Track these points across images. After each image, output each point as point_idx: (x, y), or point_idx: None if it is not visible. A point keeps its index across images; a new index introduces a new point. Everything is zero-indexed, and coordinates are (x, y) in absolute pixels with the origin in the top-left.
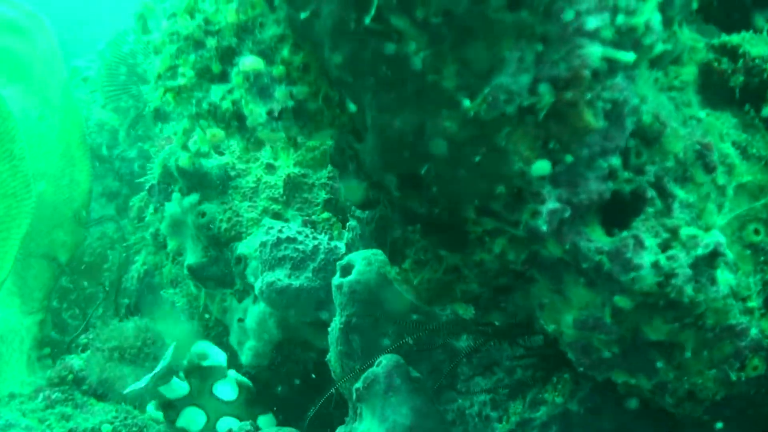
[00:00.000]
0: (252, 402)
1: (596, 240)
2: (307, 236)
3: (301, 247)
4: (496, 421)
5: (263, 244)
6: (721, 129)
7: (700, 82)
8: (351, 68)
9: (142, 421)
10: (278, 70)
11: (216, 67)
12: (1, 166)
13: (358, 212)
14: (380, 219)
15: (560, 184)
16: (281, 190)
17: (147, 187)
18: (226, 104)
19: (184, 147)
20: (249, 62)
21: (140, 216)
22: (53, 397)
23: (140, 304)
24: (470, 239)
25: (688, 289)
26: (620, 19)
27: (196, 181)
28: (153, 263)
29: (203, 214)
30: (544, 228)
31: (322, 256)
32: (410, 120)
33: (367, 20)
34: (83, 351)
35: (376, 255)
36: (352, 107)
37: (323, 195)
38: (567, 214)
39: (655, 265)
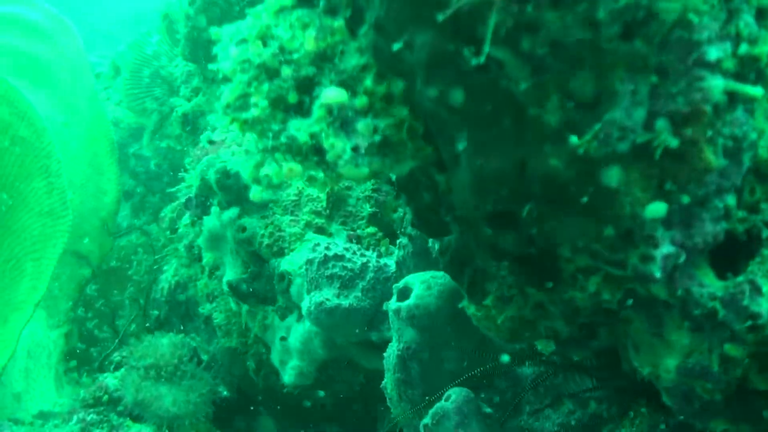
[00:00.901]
0: None
1: (709, 285)
2: (354, 253)
3: (349, 265)
4: None
5: (310, 262)
6: None
7: None
8: (446, 102)
9: None
10: (361, 101)
11: (292, 98)
12: (37, 182)
13: (409, 229)
14: (457, 251)
15: (673, 225)
16: (324, 203)
17: (184, 200)
18: (303, 137)
19: (255, 180)
20: (332, 94)
21: (172, 227)
22: (88, 419)
23: (171, 317)
24: (563, 277)
25: None
26: (743, 48)
27: (236, 194)
28: (187, 276)
29: (244, 229)
30: (658, 274)
31: (371, 274)
32: (510, 157)
33: (482, 59)
34: (116, 369)
35: (436, 278)
36: (443, 145)
37: (368, 208)
38: (681, 259)
39: None
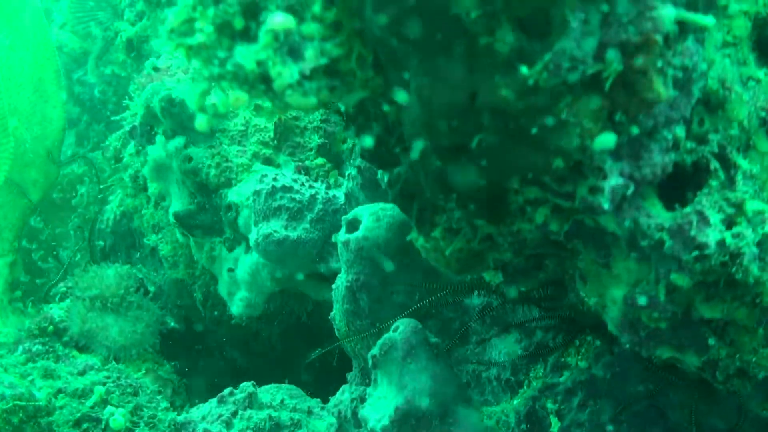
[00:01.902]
0: None
1: (656, 215)
2: (302, 185)
3: (297, 196)
4: (516, 385)
5: (257, 193)
6: None
7: (754, 38)
8: (396, 30)
9: (136, 381)
10: (309, 27)
11: (238, 23)
12: None
13: (358, 161)
14: (406, 183)
15: (622, 156)
16: (272, 134)
17: (128, 128)
18: (250, 65)
19: (201, 109)
20: (279, 20)
21: (117, 156)
22: (34, 349)
23: (117, 247)
24: (511, 209)
25: (754, 269)
26: None
27: (181, 123)
28: (132, 206)
29: (190, 159)
30: (606, 206)
31: (319, 206)
32: (461, 87)
33: None
34: (62, 300)
35: (385, 210)
36: (392, 73)
37: (316, 139)
38: (630, 191)
39: (721, 243)
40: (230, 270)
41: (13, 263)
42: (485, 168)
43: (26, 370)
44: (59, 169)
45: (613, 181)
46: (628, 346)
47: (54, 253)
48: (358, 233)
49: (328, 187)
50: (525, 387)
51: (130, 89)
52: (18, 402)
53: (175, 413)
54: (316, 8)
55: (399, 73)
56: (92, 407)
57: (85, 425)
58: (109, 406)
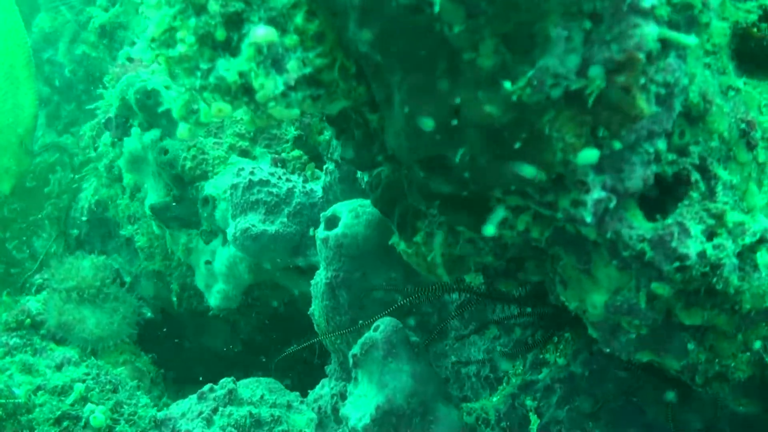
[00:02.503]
0: None
1: (638, 227)
2: (279, 178)
3: (274, 190)
4: (495, 381)
5: (234, 187)
6: (759, 100)
7: (733, 46)
8: (381, 46)
9: (116, 378)
10: (291, 39)
11: (220, 34)
12: None
13: (336, 155)
14: (388, 187)
15: (604, 170)
16: (248, 126)
17: (103, 119)
18: (232, 76)
19: (184, 118)
20: (262, 33)
21: (92, 146)
22: (11, 343)
23: (91, 236)
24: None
25: (734, 279)
26: None
27: (157, 115)
28: (107, 195)
29: (166, 152)
30: (589, 219)
31: (297, 199)
32: (444, 103)
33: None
34: (38, 291)
35: (364, 207)
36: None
37: (293, 131)
38: (612, 204)
39: (702, 255)
40: (207, 262)
41: None
42: (468, 179)
43: (4, 364)
44: (32, 157)
45: (596, 194)
46: (608, 350)
47: (28, 242)
48: (337, 230)
49: (306, 181)
50: (504, 384)
51: (105, 79)
52: None
53: (155, 409)
54: (299, 20)
55: (383, 86)
56: (72, 405)
57: (65, 423)
58: (89, 404)
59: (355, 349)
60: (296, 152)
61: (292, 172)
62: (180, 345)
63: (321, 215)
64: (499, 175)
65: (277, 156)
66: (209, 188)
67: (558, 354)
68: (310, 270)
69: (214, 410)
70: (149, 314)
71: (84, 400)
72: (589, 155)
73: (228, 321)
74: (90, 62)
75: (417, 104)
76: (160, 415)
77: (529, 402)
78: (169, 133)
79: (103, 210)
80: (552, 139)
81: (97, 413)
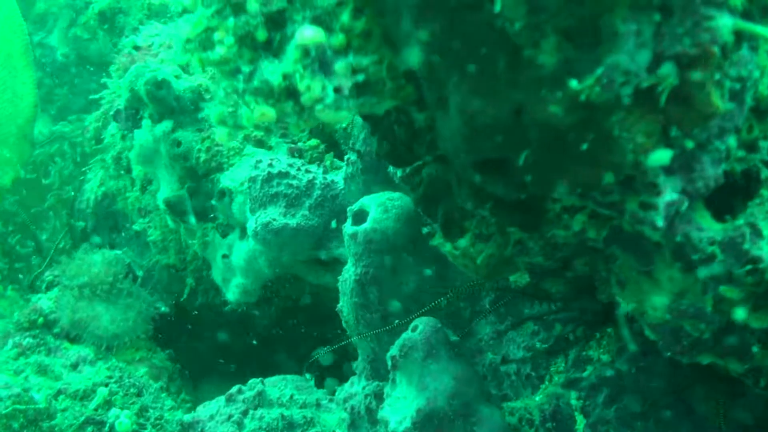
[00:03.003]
0: None
1: (707, 228)
2: (299, 169)
3: (294, 182)
4: (537, 379)
5: (253, 180)
6: None
7: None
8: (439, 45)
9: (139, 380)
10: (338, 38)
11: (261, 35)
12: None
13: (358, 145)
14: (431, 186)
15: (675, 170)
16: (293, 129)
17: (111, 111)
18: (276, 79)
19: (223, 122)
20: (310, 34)
21: (97, 137)
22: (25, 343)
23: (99, 228)
24: (548, 217)
25: None
26: None
27: (168, 106)
28: (115, 188)
29: (179, 144)
30: (660, 223)
31: (318, 191)
32: (505, 103)
33: None
34: (48, 289)
35: (393, 200)
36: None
37: None
38: (684, 206)
39: None
40: (224, 256)
41: None
42: (529, 183)
43: (19, 366)
44: (33, 147)
45: (668, 197)
46: (669, 354)
47: (31, 236)
48: (366, 225)
49: (326, 171)
50: (546, 382)
51: (110, 69)
52: (18, 406)
53: (181, 411)
54: (345, 18)
55: (436, 86)
56: (95, 409)
57: (89, 429)
58: (113, 409)
59: (394, 351)
60: (313, 141)
61: (310, 162)
62: (195, 339)
63: (348, 209)
64: (564, 177)
65: (293, 146)
66: (225, 180)
67: (601, 350)
68: (332, 263)
69: (244, 413)
70: (163, 308)
71: (108, 404)
72: (661, 156)
73: (245, 314)
74: (81, 44)
75: (476, 105)
76: (187, 418)
77: (573, 401)
78: (180, 123)
79: (110, 202)
80: (621, 139)
81: (122, 418)
